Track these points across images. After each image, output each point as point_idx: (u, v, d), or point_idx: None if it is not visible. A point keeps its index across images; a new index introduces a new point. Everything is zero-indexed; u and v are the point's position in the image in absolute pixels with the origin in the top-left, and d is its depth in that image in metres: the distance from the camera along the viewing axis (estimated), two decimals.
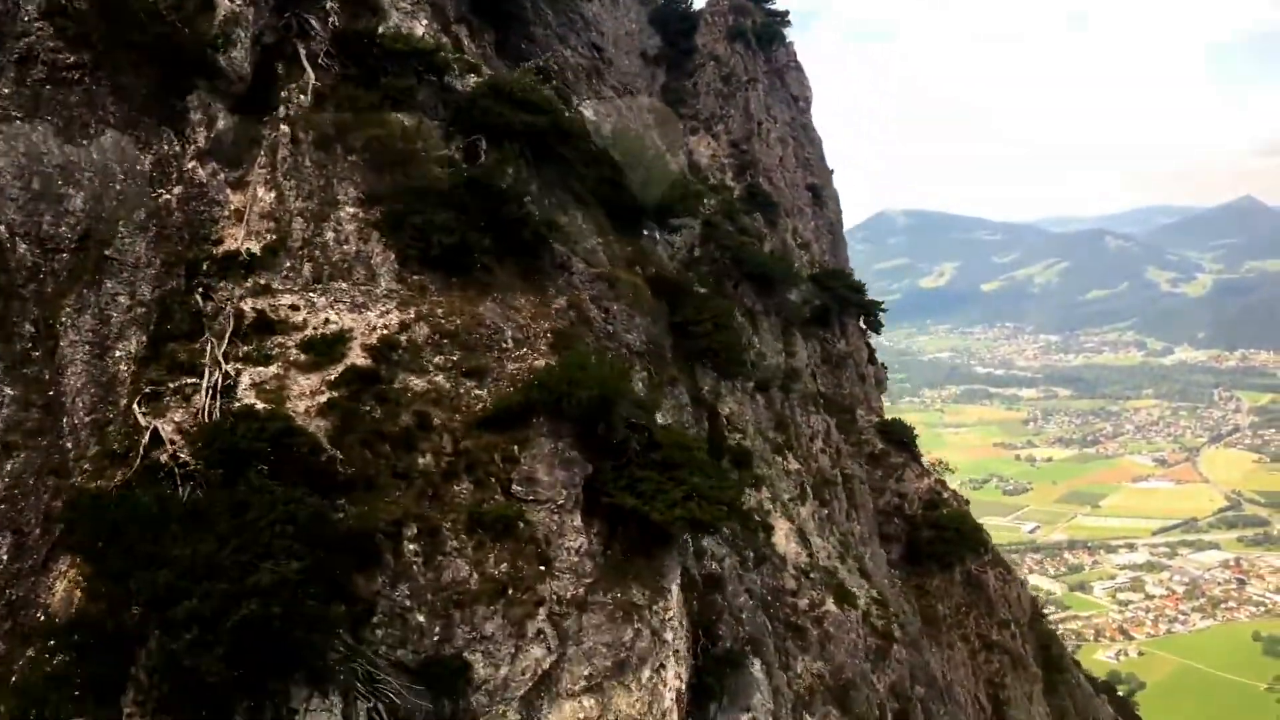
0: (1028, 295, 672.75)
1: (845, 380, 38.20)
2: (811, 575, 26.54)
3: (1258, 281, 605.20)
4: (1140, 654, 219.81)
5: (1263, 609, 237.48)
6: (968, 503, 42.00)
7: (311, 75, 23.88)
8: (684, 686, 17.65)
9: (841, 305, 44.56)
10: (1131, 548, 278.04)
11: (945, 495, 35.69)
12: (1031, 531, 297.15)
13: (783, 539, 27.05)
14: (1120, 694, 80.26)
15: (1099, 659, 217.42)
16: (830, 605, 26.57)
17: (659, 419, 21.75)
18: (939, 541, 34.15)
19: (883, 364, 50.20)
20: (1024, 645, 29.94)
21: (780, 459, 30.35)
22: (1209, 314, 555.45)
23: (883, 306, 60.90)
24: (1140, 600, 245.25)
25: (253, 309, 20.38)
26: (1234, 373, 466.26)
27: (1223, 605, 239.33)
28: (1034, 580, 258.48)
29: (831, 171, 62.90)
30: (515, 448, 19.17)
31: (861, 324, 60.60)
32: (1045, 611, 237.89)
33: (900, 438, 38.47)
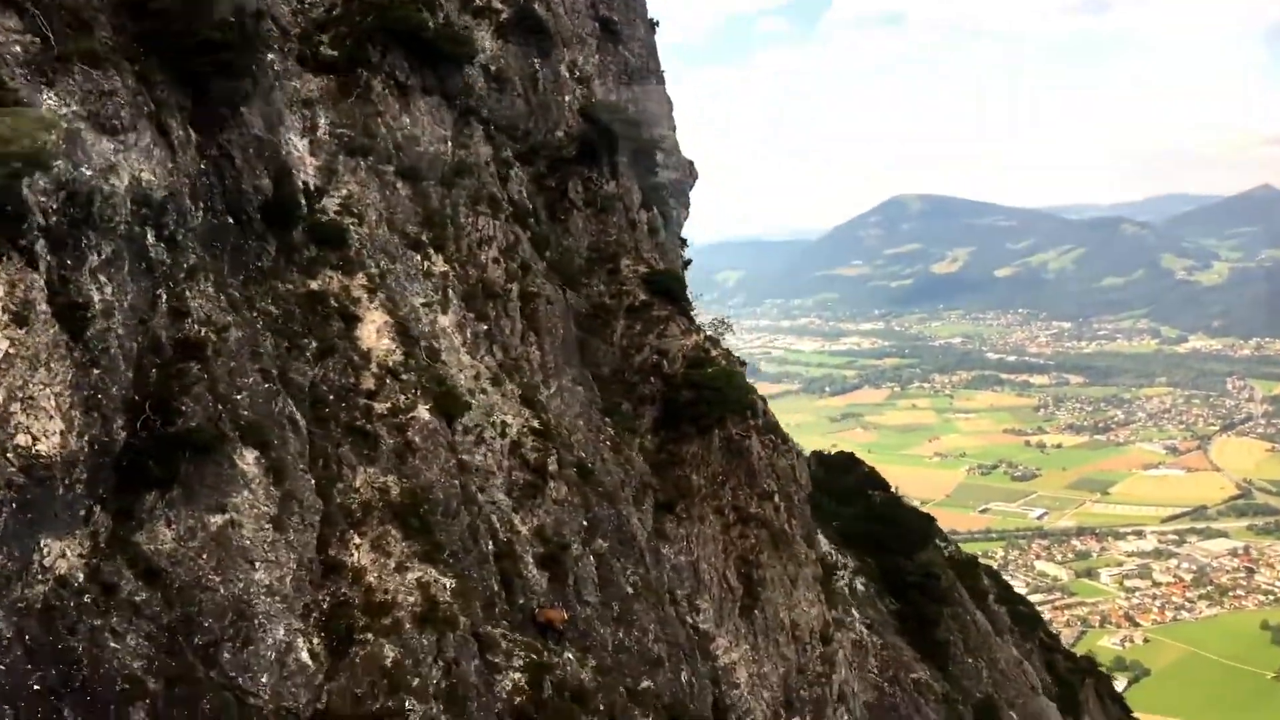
0: (1042, 282, 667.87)
1: (612, 225, 33.15)
2: (404, 377, 22.75)
3: (1274, 270, 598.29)
4: (1146, 641, 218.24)
5: (1271, 598, 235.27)
6: (743, 364, 37.54)
7: None
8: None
9: (611, 143, 38.58)
10: (1140, 535, 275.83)
11: (714, 354, 31.47)
12: (1039, 517, 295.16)
13: (372, 333, 22.96)
14: (1102, 670, 78.16)
15: (1104, 645, 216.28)
16: (422, 413, 22.41)
17: None
18: (698, 403, 29.76)
19: (660, 213, 42.78)
20: (791, 522, 26.71)
21: (418, 256, 26.56)
22: (1224, 302, 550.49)
23: (660, 144, 54.28)
24: (1147, 587, 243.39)
25: None
26: (1248, 361, 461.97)
27: (1230, 593, 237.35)
28: (1041, 566, 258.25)
29: (654, 23, 56.02)
30: None
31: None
32: (1041, 592, 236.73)
33: (668, 289, 33.33)
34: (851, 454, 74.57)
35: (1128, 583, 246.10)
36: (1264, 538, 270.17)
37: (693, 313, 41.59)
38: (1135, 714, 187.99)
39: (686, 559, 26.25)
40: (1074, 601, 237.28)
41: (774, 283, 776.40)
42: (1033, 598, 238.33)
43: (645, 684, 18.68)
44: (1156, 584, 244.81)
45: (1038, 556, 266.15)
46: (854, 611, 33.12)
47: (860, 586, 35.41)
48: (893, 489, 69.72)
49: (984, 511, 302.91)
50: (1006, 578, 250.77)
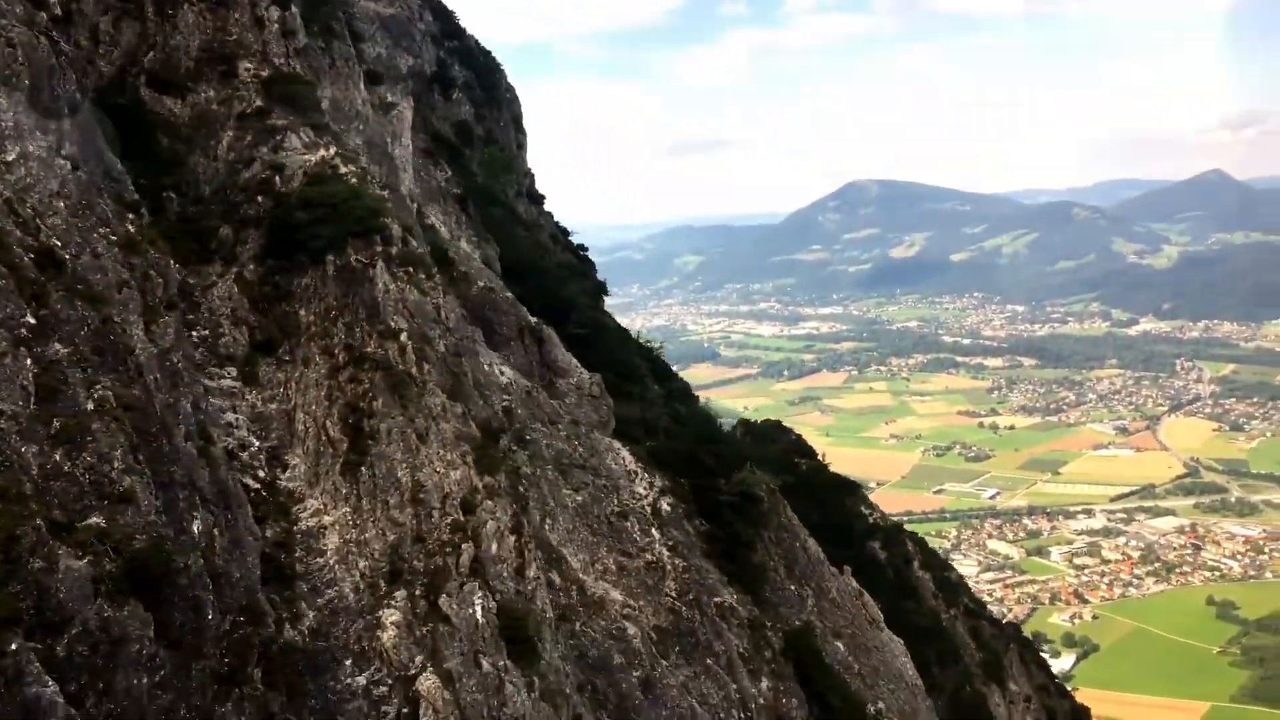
0: (996, 266, 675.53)
1: (233, 24, 25.66)
2: None
3: (1223, 254, 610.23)
4: (1095, 617, 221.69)
5: (1217, 574, 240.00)
6: (386, 191, 33.23)
7: None
8: None
9: None
10: (1090, 514, 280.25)
11: (344, 171, 24.66)
12: (992, 497, 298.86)
13: None
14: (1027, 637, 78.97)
15: (1054, 622, 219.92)
16: None
17: None
18: (313, 224, 23.49)
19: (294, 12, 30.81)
20: (423, 368, 21.65)
21: None
22: (1174, 285, 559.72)
23: None
24: (1096, 565, 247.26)
25: None
26: (1197, 343, 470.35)
27: (1177, 570, 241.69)
28: (993, 545, 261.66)
29: None
30: None
31: None
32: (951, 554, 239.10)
33: (292, 97, 25.81)
34: (778, 422, 74.86)
35: (1077, 560, 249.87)
36: (1210, 515, 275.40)
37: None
38: (1080, 687, 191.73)
39: (280, 407, 21.90)
40: (1025, 579, 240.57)
41: (734, 267, 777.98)
42: (985, 576, 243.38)
43: (93, 520, 14.45)
44: (1105, 561, 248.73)
45: (990, 536, 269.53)
46: (654, 532, 31.21)
47: (666, 507, 33.09)
48: (819, 456, 70.01)
49: (939, 492, 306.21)
50: (959, 556, 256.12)
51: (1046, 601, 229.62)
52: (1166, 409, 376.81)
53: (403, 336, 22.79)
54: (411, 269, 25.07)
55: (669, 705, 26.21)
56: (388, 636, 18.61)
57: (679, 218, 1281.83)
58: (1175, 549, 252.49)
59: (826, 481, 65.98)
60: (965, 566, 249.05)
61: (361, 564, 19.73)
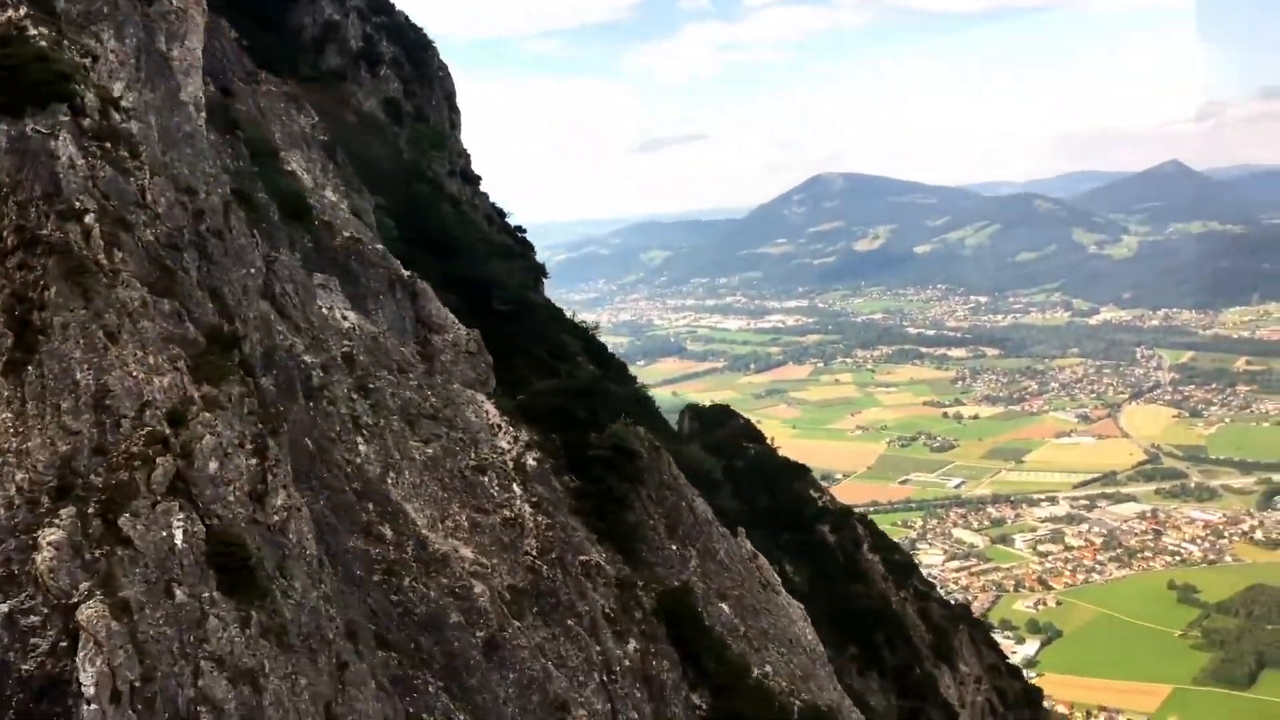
0: (959, 257, 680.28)
1: None
2: None
3: (1181, 243, 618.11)
4: (1059, 603, 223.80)
5: (1178, 558, 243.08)
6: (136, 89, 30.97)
7: None
8: None
9: None
10: (1053, 501, 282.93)
11: (33, 35, 19.43)
12: (957, 487, 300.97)
13: None
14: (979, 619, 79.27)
15: (1019, 609, 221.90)
16: None
17: None
18: None
19: None
20: (116, 256, 16.93)
21: None
22: (1134, 275, 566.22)
23: None
24: (1059, 551, 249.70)
25: None
26: (1157, 331, 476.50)
27: (1139, 555, 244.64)
28: (958, 534, 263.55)
29: None
30: None
31: None
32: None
33: None
34: (726, 406, 74.65)
35: (1041, 547, 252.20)
36: (1170, 501, 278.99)
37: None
38: (1045, 673, 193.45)
39: None
40: (989, 567, 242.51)
41: (700, 262, 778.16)
42: (950, 564, 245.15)
43: None
44: (1068, 548, 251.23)
45: (955, 524, 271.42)
46: (514, 487, 29.79)
47: (532, 462, 31.40)
48: (768, 441, 69.79)
49: (904, 482, 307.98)
50: (925, 545, 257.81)
51: (1011, 589, 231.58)
52: (1127, 396, 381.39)
53: (89, 218, 19.32)
54: (110, 145, 21.27)
55: (518, 667, 24.71)
56: (43, 559, 15.83)
57: (646, 213, 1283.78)
58: (1137, 535, 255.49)
59: (776, 465, 65.79)
60: (931, 555, 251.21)
61: (19, 476, 16.71)
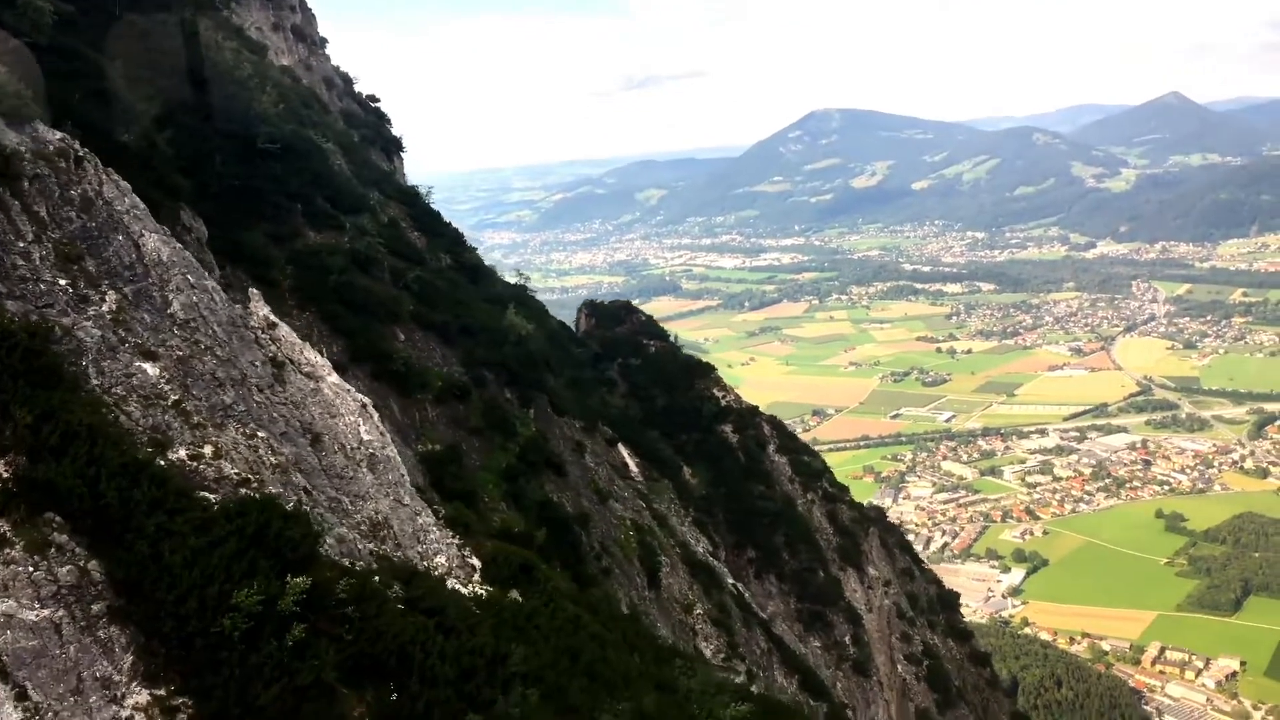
0: (957, 193, 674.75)
1: None
2: None
3: (1180, 176, 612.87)
4: (1045, 533, 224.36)
5: (1166, 488, 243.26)
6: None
7: None
8: None
9: None
10: (1043, 433, 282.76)
11: None
12: (948, 420, 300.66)
13: None
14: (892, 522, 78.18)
15: (1005, 539, 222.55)
16: None
17: None
18: None
19: None
20: None
21: None
22: (1132, 208, 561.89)
23: None
24: (1048, 482, 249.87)
25: None
26: (1153, 264, 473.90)
27: (1127, 485, 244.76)
28: (947, 466, 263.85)
29: None
30: None
31: None
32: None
33: None
34: (627, 303, 72.77)
35: (1030, 479, 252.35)
36: (1161, 431, 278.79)
37: None
38: (1030, 600, 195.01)
39: None
40: (978, 499, 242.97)
41: (696, 200, 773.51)
42: (939, 496, 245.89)
43: None
44: (1057, 479, 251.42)
45: (945, 457, 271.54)
46: None
47: None
48: (671, 338, 68.38)
49: (895, 417, 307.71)
50: (914, 478, 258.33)
51: (998, 519, 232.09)
52: (1121, 330, 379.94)
53: None
54: None
55: None
56: None
57: (643, 152, 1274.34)
58: (1126, 465, 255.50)
59: (676, 363, 64.06)
60: (920, 488, 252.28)
61: None
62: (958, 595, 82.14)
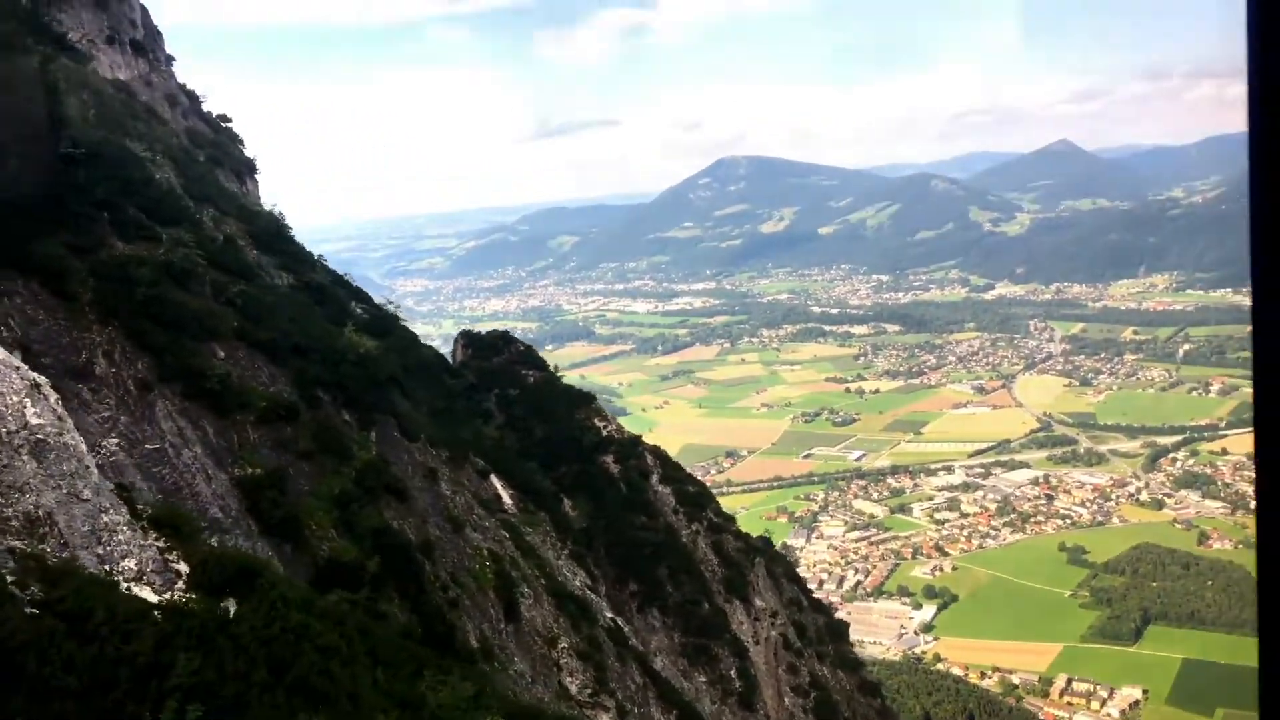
0: (861, 237, 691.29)
1: None
2: None
3: (1072, 220, 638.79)
4: (955, 569, 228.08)
5: (1069, 521, 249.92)
6: None
7: None
8: None
9: None
10: (950, 470, 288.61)
11: None
12: (858, 459, 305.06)
13: None
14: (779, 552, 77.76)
15: (916, 575, 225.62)
16: None
17: None
18: None
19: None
20: None
21: None
22: (1027, 251, 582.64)
23: None
24: (955, 519, 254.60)
25: None
26: (1049, 305, 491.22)
27: (1032, 520, 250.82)
28: (859, 504, 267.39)
29: None
30: None
31: None
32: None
33: None
34: (506, 333, 72.24)
35: (938, 515, 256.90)
36: (1061, 466, 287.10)
37: None
38: (941, 636, 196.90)
39: None
40: (889, 536, 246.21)
41: (608, 247, 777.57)
42: (851, 535, 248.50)
43: None
44: (964, 515, 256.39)
45: (856, 496, 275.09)
46: None
47: None
48: (551, 368, 68.09)
49: (807, 456, 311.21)
50: (826, 517, 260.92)
51: (909, 556, 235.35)
52: (1021, 368, 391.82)
53: None
54: None
55: None
56: None
57: (554, 199, 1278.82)
58: (1030, 500, 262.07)
59: (556, 394, 63.65)
60: (832, 527, 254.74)
61: None
62: (847, 625, 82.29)
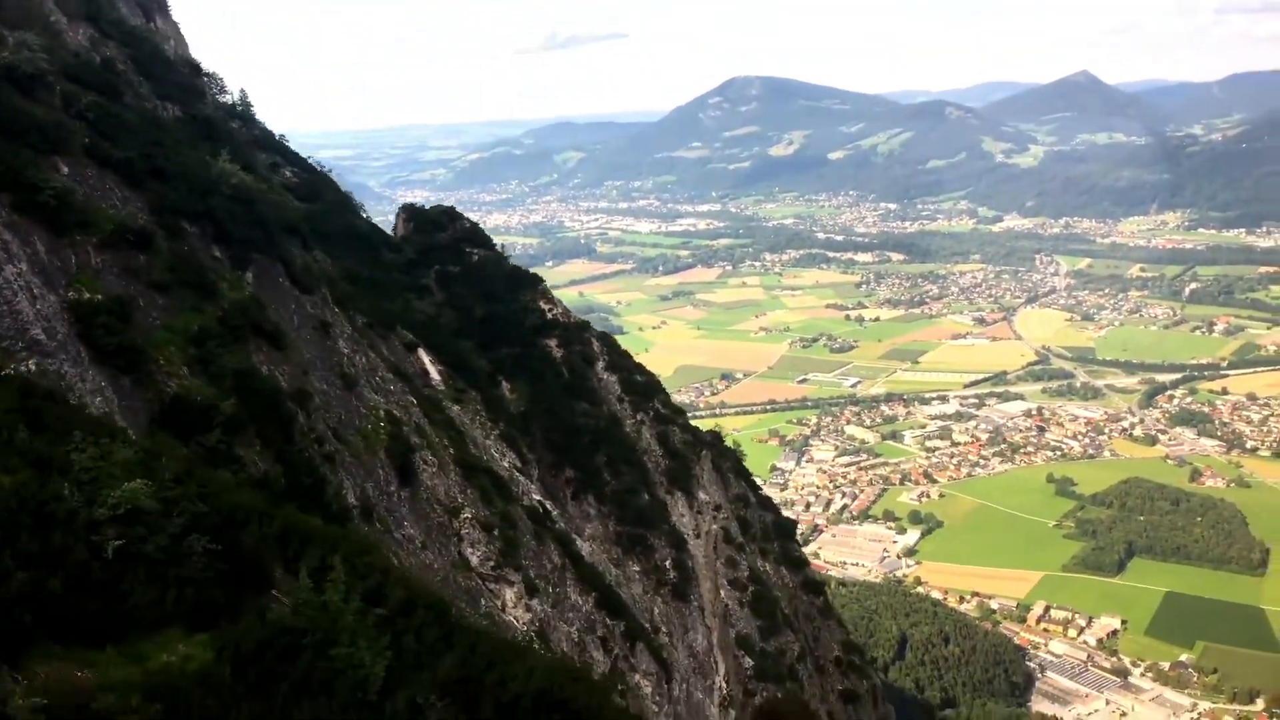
0: (871, 164, 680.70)
1: None
2: None
3: (1086, 154, 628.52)
4: (941, 495, 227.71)
5: (1059, 453, 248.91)
6: None
7: None
8: None
9: None
10: (944, 399, 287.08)
11: None
12: (853, 386, 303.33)
13: None
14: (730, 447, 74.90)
15: (902, 500, 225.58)
16: None
17: None
18: None
19: None
20: None
21: None
22: (1039, 184, 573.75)
23: None
24: (946, 447, 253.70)
25: None
26: (1057, 239, 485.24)
27: (1022, 450, 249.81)
28: (850, 430, 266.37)
29: None
30: None
31: None
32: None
33: None
34: (451, 208, 68.79)
35: (929, 443, 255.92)
36: (1056, 399, 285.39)
37: None
38: (923, 560, 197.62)
39: None
40: (878, 462, 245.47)
41: (614, 164, 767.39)
42: (841, 459, 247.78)
43: None
44: (955, 444, 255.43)
45: (849, 422, 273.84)
46: None
47: None
48: (497, 247, 65.14)
49: (802, 381, 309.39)
50: (817, 441, 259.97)
51: (897, 482, 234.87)
52: (1023, 301, 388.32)
53: None
54: None
55: None
56: None
57: (562, 113, 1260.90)
58: (1021, 431, 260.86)
59: (501, 273, 60.60)
60: (822, 451, 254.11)
61: None
62: (794, 523, 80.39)
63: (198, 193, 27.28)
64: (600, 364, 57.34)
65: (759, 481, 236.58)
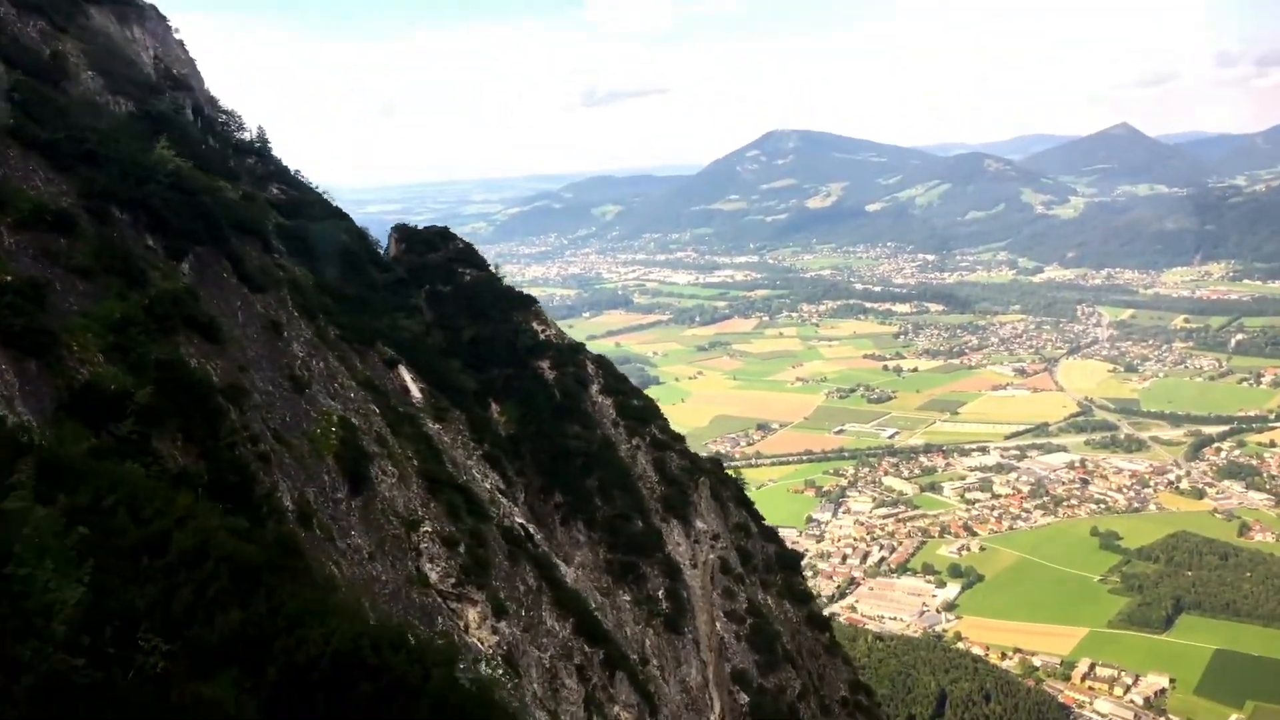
0: (909, 216, 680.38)
1: None
2: None
3: (1127, 204, 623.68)
4: (982, 549, 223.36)
5: (1103, 506, 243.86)
6: None
7: None
8: None
9: None
10: (984, 451, 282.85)
11: None
12: (891, 437, 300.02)
13: None
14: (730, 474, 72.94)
15: (942, 554, 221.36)
16: None
17: None
18: None
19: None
20: None
21: None
22: (1080, 235, 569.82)
23: None
24: (987, 499, 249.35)
25: None
26: (1099, 290, 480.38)
27: (1065, 503, 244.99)
28: (888, 481, 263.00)
29: None
30: None
31: None
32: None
33: None
34: (445, 229, 68.89)
35: (969, 495, 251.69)
36: (1099, 451, 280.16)
37: None
38: (964, 615, 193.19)
39: None
40: (917, 514, 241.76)
41: (652, 217, 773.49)
42: (879, 511, 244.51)
43: None
44: (996, 496, 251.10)
45: (886, 473, 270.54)
46: None
47: None
48: (490, 269, 65.05)
49: (839, 432, 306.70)
50: (855, 492, 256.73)
51: (936, 535, 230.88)
52: (1065, 352, 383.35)
53: None
54: None
55: None
56: None
57: (600, 168, 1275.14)
58: (1064, 484, 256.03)
59: (493, 294, 60.48)
60: (860, 502, 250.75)
61: None
62: (800, 556, 78.30)
63: (131, 179, 27.04)
64: (595, 386, 56.99)
65: (794, 532, 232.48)
